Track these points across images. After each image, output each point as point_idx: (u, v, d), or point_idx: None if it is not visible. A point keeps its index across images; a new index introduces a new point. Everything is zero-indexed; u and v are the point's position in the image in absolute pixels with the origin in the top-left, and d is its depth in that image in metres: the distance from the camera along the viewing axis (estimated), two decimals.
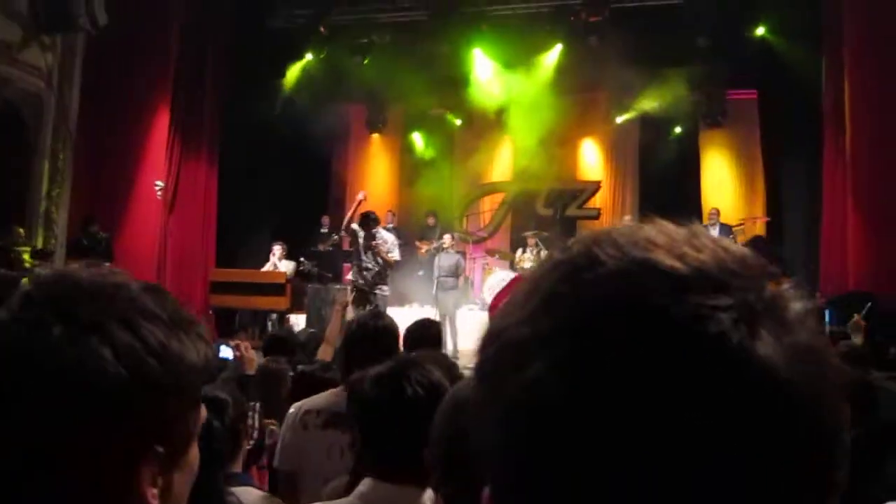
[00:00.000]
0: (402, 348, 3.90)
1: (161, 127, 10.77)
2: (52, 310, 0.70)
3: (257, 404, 2.75)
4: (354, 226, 8.89)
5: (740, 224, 11.79)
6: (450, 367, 2.98)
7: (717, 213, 11.61)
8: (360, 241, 8.81)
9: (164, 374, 0.71)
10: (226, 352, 3.25)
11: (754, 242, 9.30)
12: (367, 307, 8.59)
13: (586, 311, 0.47)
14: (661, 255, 0.48)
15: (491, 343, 0.52)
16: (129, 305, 0.75)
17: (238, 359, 3.15)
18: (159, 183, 10.54)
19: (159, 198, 10.63)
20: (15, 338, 0.69)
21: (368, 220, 8.78)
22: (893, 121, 7.87)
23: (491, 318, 0.55)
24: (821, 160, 9.86)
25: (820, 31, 9.81)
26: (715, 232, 11.14)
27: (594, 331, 0.46)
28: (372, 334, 2.81)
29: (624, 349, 0.45)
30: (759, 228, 12.00)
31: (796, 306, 0.48)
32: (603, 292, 0.47)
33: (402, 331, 4.33)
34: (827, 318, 6.91)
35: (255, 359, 3.19)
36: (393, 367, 1.83)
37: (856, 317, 5.40)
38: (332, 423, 2.63)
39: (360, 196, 9.72)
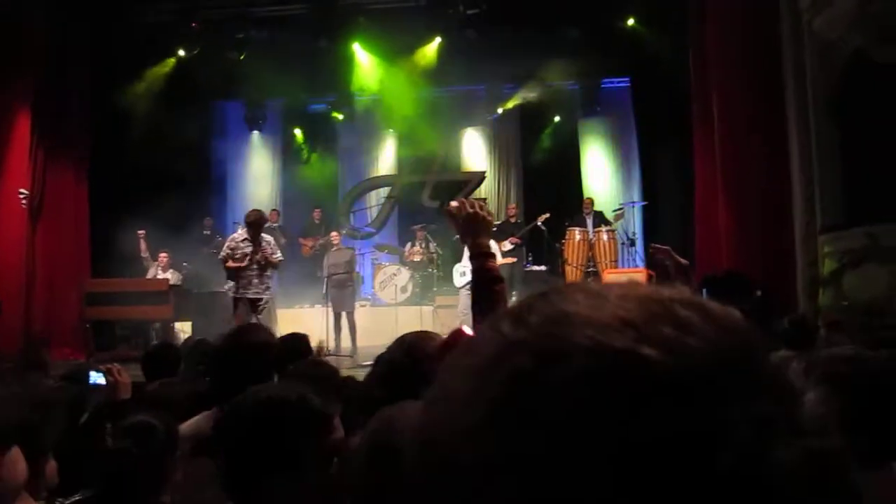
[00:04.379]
0: None
1: (22, 132, 10.09)
2: None
3: None
4: (236, 240, 8.40)
5: (619, 209, 12.22)
6: (330, 376, 2.91)
7: (591, 202, 12.01)
8: (247, 250, 8.39)
9: None
10: (96, 377, 3.03)
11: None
12: (257, 315, 8.33)
13: (554, 431, 0.38)
14: (645, 346, 0.39)
15: (423, 456, 0.43)
16: None
17: (111, 384, 2.95)
18: (23, 191, 9.90)
19: (24, 206, 9.98)
20: None
21: (258, 225, 8.42)
22: (756, 110, 8.31)
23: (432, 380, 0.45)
24: (692, 145, 10.30)
25: (686, 22, 10.23)
26: (590, 221, 11.54)
27: (566, 459, 0.37)
28: (246, 351, 2.70)
29: (607, 480, 0.37)
30: (636, 213, 12.49)
31: (807, 397, 0.42)
32: (575, 403, 0.38)
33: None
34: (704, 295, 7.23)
35: (129, 382, 3.01)
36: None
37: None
38: (200, 450, 2.43)
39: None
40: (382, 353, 2.11)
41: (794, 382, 0.42)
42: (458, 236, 2.34)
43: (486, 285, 2.01)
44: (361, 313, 10.81)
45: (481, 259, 2.04)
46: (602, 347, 0.39)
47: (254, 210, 8.78)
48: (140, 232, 11.04)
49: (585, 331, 0.40)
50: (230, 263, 8.26)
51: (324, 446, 1.60)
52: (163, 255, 10.99)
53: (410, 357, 1.86)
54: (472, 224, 2.10)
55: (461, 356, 0.44)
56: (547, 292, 0.46)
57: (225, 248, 8.45)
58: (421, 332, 2.03)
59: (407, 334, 2.06)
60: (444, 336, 2.07)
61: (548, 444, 0.38)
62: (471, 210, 2.11)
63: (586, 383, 0.38)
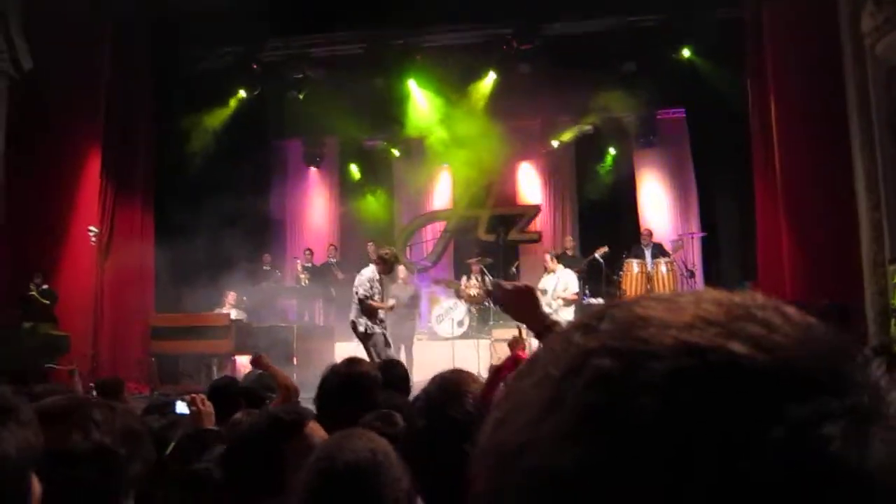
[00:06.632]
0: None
1: (93, 171, 10.47)
2: None
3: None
4: (374, 277, 8.40)
5: (678, 239, 12.05)
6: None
7: (650, 233, 11.85)
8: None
9: None
10: (181, 407, 3.11)
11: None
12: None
13: (646, 431, 0.37)
14: (732, 342, 0.38)
15: (504, 468, 0.41)
16: None
17: (195, 414, 3.02)
18: (93, 228, 10.23)
19: (93, 243, 10.31)
20: None
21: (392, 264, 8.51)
22: (818, 136, 8.17)
23: (489, 405, 0.45)
24: (751, 174, 10.15)
25: (743, 52, 10.15)
26: (648, 253, 11.40)
27: (661, 458, 0.36)
28: (348, 382, 2.80)
29: (709, 477, 0.35)
30: (695, 244, 12.29)
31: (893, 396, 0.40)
32: (667, 402, 0.37)
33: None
34: None
35: (212, 412, 3.07)
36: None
37: None
38: None
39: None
40: (419, 394, 2.15)
41: (881, 381, 0.40)
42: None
43: None
44: (418, 347, 10.81)
45: (548, 334, 2.02)
46: (688, 345, 0.38)
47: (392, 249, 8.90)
48: (230, 293, 11.29)
49: (667, 331, 0.39)
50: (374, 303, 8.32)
51: (297, 449, 1.76)
52: (231, 294, 11.23)
53: (444, 391, 1.91)
54: (519, 302, 2.12)
55: (530, 370, 0.43)
56: (614, 303, 0.45)
57: (365, 287, 8.34)
58: (455, 369, 2.06)
59: (441, 372, 2.08)
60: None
61: (640, 445, 0.36)
62: (510, 289, 2.13)
63: (677, 382, 0.37)
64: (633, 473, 0.36)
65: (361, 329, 8.39)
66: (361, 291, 8.30)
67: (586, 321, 0.44)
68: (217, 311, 11.15)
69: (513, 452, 0.40)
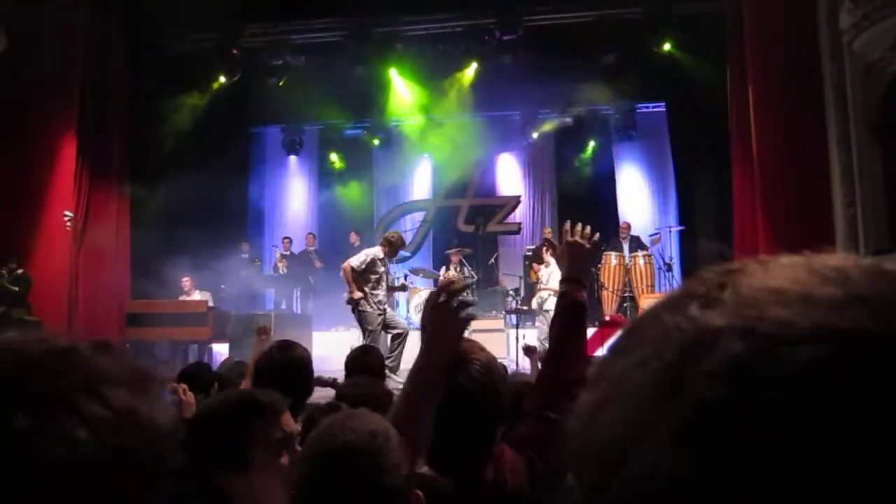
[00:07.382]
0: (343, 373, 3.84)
1: (68, 155, 10.33)
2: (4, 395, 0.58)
3: None
4: (378, 257, 8.18)
5: (656, 234, 12.12)
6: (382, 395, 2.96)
7: (628, 227, 11.91)
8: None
9: (141, 446, 0.61)
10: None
11: None
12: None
13: (792, 431, 0.30)
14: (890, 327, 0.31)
15: (606, 469, 0.34)
16: (88, 371, 0.64)
17: (176, 403, 2.98)
18: (68, 213, 10.11)
19: (68, 228, 10.19)
20: None
21: (397, 247, 8.39)
22: (796, 131, 8.22)
23: (585, 383, 0.36)
24: (730, 168, 10.21)
25: (723, 47, 10.20)
26: (626, 246, 11.45)
27: (810, 462, 0.29)
28: (280, 367, 2.82)
29: (872, 478, 0.29)
30: (673, 237, 12.38)
31: None
32: (818, 395, 0.30)
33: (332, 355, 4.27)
34: None
35: (193, 402, 3.03)
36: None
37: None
38: None
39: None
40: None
41: None
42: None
43: (573, 311, 2.10)
44: None
45: (576, 286, 2.12)
46: (839, 331, 0.32)
47: (398, 232, 8.76)
48: (184, 279, 11.16)
49: (810, 310, 0.32)
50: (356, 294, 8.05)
51: (266, 432, 1.78)
52: (186, 279, 11.11)
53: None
54: (580, 251, 2.17)
55: (629, 344, 0.37)
56: (735, 267, 0.39)
57: (360, 259, 8.08)
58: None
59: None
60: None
61: (790, 453, 0.30)
62: (583, 241, 2.19)
63: (828, 371, 0.30)
64: (780, 490, 0.30)
65: (352, 302, 8.28)
66: (355, 263, 8.09)
67: (703, 290, 0.37)
68: (183, 297, 11.06)
69: (617, 450, 0.34)
